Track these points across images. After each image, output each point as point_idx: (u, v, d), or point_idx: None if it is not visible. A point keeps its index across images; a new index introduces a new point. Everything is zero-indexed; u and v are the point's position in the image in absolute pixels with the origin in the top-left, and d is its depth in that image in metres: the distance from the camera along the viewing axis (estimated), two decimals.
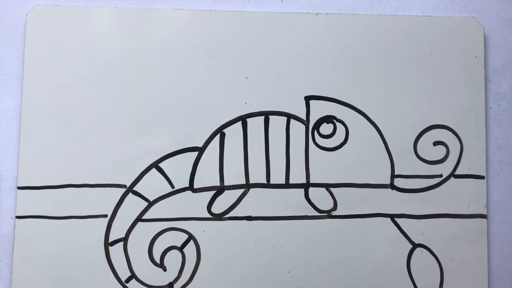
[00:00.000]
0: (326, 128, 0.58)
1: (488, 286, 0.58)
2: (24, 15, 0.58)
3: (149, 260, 0.56)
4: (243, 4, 0.59)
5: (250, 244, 0.57)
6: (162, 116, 0.57)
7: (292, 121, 0.58)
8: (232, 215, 0.57)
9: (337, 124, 0.58)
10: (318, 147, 0.58)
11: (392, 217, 0.58)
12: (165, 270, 0.56)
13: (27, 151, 0.56)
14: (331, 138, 0.58)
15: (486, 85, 0.60)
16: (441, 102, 0.59)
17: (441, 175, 0.58)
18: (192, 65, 0.58)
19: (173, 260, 0.56)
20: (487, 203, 0.59)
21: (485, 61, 0.60)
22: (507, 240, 0.59)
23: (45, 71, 0.57)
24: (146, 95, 0.57)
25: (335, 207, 0.57)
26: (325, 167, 0.57)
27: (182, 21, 0.58)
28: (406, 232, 0.58)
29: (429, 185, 0.58)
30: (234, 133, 0.57)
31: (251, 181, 0.57)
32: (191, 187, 0.57)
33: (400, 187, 0.58)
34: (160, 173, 0.57)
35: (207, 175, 0.57)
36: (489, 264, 0.59)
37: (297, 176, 0.57)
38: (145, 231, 0.56)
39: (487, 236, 0.58)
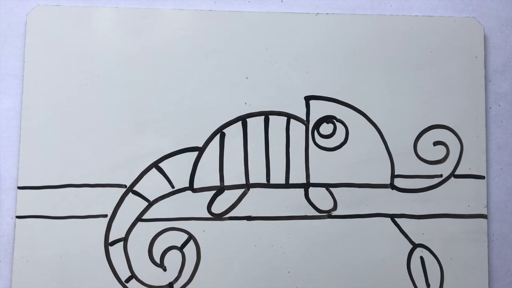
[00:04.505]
0: (326, 128, 0.58)
1: (489, 286, 0.58)
2: (24, 15, 0.58)
3: (149, 260, 0.56)
4: (243, 4, 0.59)
5: (250, 244, 0.57)
6: (162, 116, 0.57)
7: (292, 121, 0.58)
8: (232, 215, 0.57)
9: (337, 124, 0.58)
10: (318, 147, 0.58)
11: (392, 217, 0.58)
12: (165, 270, 0.56)
13: (27, 151, 0.56)
14: (331, 138, 0.58)
15: (486, 85, 0.60)
16: (441, 102, 0.59)
17: (441, 175, 0.58)
18: (192, 65, 0.58)
19: (173, 260, 0.56)
20: (487, 203, 0.59)
21: (485, 61, 0.60)
22: (507, 240, 0.59)
23: (46, 71, 0.57)
24: (146, 95, 0.57)
25: (335, 207, 0.57)
26: (325, 167, 0.57)
27: (182, 21, 0.58)
28: (406, 232, 0.58)
29: (429, 185, 0.58)
30: (234, 133, 0.57)
31: (251, 181, 0.57)
32: (191, 187, 0.57)
33: (400, 187, 0.58)
34: (160, 173, 0.57)
35: (207, 175, 0.57)
36: (489, 264, 0.59)
37: (297, 176, 0.57)
38: (145, 231, 0.56)
39: (487, 236, 0.58)
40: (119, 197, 0.56)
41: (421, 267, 0.57)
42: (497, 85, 0.61)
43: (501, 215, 0.59)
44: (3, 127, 0.57)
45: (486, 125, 0.59)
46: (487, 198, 0.59)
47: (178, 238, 0.56)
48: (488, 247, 0.58)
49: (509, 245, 0.59)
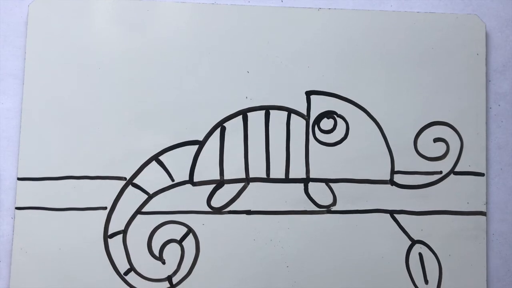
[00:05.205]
0: (326, 123, 0.58)
1: (487, 283, 0.58)
2: (26, 6, 0.58)
3: (148, 253, 0.56)
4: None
5: (249, 238, 0.57)
6: (163, 109, 0.57)
7: (293, 115, 0.58)
8: (231, 209, 0.57)
9: (338, 119, 0.58)
10: (318, 142, 0.58)
11: (392, 213, 0.58)
12: (164, 263, 0.56)
13: (27, 142, 0.56)
14: (331, 133, 0.58)
15: (486, 85, 0.60)
16: (442, 99, 0.59)
17: (441, 172, 0.58)
18: (194, 59, 0.58)
19: (172, 253, 0.56)
20: (487, 202, 0.59)
21: (486, 59, 0.60)
22: (507, 240, 0.59)
23: (47, 63, 0.57)
24: (147, 88, 0.57)
25: (334, 202, 0.57)
26: (325, 162, 0.57)
27: (184, 15, 0.58)
28: (405, 228, 0.58)
29: (428, 181, 0.58)
30: (234, 127, 0.57)
31: (251, 175, 0.57)
32: (191, 181, 0.57)
33: (400, 183, 0.58)
34: (160, 166, 0.57)
35: (207, 169, 0.57)
36: (488, 263, 0.58)
37: (297, 171, 0.57)
38: (144, 224, 0.56)
39: (487, 235, 0.58)
40: (119, 190, 0.56)
41: (419, 263, 0.57)
42: (497, 85, 0.61)
43: (501, 214, 0.59)
44: (3, 127, 0.57)
45: (486, 125, 0.59)
46: (487, 198, 0.59)
47: (177, 231, 0.56)
48: (488, 247, 0.58)
49: (509, 244, 0.59)
